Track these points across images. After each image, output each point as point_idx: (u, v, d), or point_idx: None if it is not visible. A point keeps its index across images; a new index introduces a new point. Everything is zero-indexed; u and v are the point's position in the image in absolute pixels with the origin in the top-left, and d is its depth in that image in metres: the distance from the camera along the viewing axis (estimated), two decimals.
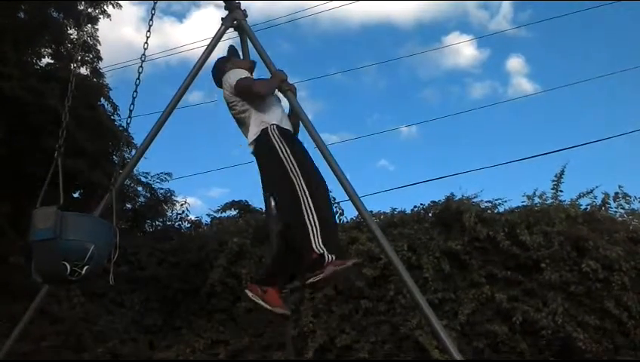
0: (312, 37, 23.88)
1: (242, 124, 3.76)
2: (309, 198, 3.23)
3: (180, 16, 26.00)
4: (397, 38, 23.49)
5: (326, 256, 3.08)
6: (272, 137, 3.50)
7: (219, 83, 3.91)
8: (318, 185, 3.39)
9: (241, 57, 4.22)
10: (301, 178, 3.31)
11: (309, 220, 3.17)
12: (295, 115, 3.84)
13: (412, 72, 22.63)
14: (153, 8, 3.87)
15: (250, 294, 3.51)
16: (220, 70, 3.93)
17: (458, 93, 22.39)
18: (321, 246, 3.11)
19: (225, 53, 4.16)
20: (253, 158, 3.73)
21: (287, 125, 3.69)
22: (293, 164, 3.37)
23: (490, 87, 22.82)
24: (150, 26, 3.80)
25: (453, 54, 21.77)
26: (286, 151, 3.42)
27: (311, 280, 3.14)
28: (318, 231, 3.14)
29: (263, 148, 3.55)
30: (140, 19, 20.09)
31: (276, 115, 3.67)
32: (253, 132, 3.60)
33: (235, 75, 3.73)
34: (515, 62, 22.95)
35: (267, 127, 3.55)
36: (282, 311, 3.48)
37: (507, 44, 23.48)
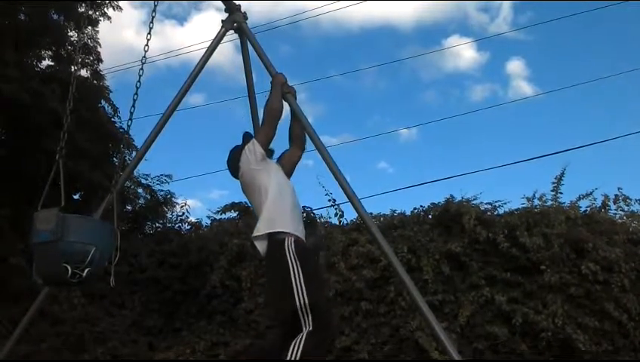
0: (313, 39, 23.92)
1: (260, 215, 3.46)
2: (305, 333, 3.04)
3: (181, 19, 26.02)
4: (397, 40, 23.49)
5: None
6: (287, 252, 3.21)
7: (236, 173, 3.64)
8: (322, 317, 3.15)
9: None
10: (306, 302, 3.08)
11: (292, 352, 2.99)
12: (295, 117, 3.84)
13: (413, 74, 22.65)
14: (154, 11, 3.88)
15: None
16: (235, 159, 3.62)
17: (458, 96, 22.41)
18: None
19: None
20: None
21: (302, 231, 3.42)
22: (301, 289, 3.11)
23: (490, 89, 22.84)
24: (151, 28, 3.81)
25: (454, 57, 21.77)
26: (298, 272, 3.15)
27: None
28: None
29: (274, 256, 3.28)
30: (140, 23, 20.14)
31: (295, 220, 3.41)
32: (266, 227, 3.32)
33: (248, 147, 3.52)
34: (514, 65, 22.95)
35: (285, 237, 3.26)
36: None
37: (507, 47, 23.45)
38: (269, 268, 3.46)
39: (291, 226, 3.33)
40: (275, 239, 3.27)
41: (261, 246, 3.36)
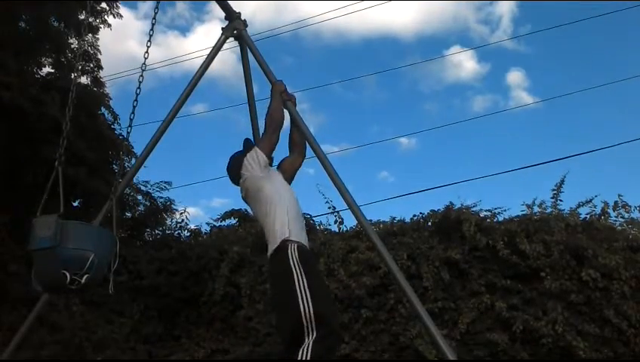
0: (314, 50, 23.93)
1: (264, 226, 3.46)
2: (311, 341, 3.00)
3: (184, 30, 26.05)
4: (398, 52, 23.53)
5: None
6: (290, 259, 3.17)
7: (236, 180, 3.61)
8: (329, 324, 3.11)
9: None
10: (311, 310, 3.04)
11: (302, 354, 2.97)
12: (295, 125, 3.84)
13: (414, 85, 22.69)
14: (154, 18, 3.88)
15: None
16: (236, 166, 3.59)
17: (459, 106, 22.44)
18: None
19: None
20: None
21: (305, 238, 3.40)
22: (306, 296, 3.07)
23: (491, 100, 22.88)
24: (151, 35, 3.80)
25: (455, 68, 21.74)
26: (302, 280, 3.11)
27: None
28: None
29: (278, 266, 3.25)
30: (143, 34, 20.21)
31: (297, 228, 3.36)
32: (273, 243, 3.28)
33: (251, 154, 3.51)
34: (515, 76, 22.99)
35: (288, 245, 3.22)
36: None
37: (507, 59, 23.49)
38: (272, 276, 3.43)
39: (294, 234, 3.28)
40: (279, 248, 3.23)
41: None
